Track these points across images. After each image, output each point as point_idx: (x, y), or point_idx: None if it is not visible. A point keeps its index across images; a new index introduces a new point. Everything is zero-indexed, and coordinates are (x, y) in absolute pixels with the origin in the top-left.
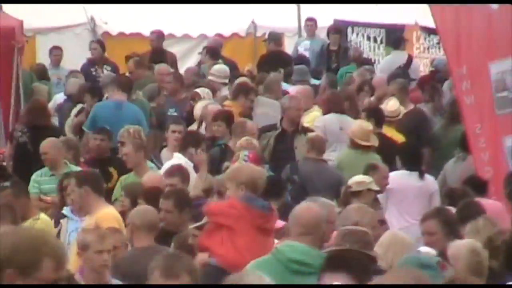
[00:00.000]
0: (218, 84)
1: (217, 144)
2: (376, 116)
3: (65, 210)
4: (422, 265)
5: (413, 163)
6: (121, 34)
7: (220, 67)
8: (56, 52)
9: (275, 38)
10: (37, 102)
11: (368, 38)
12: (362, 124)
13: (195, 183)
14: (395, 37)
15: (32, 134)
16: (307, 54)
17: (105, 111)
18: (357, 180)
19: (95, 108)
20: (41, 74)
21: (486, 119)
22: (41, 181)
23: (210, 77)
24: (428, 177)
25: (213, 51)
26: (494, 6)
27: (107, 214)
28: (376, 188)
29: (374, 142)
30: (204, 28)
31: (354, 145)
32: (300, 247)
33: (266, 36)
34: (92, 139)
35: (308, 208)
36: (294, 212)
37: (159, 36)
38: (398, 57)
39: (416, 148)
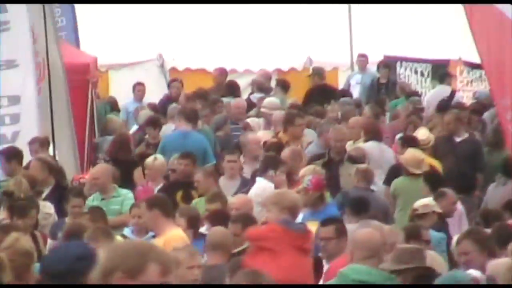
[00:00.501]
0: (269, 115)
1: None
2: (411, 144)
3: (126, 231)
4: (456, 282)
5: (469, 188)
6: (187, 70)
7: (271, 100)
8: (139, 88)
9: (319, 72)
10: (122, 135)
11: (416, 72)
12: (415, 153)
13: None
14: (440, 71)
15: (114, 164)
16: (358, 87)
17: (173, 141)
18: (423, 203)
19: (164, 139)
20: (113, 106)
21: None
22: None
23: (262, 109)
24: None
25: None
26: None
27: (175, 235)
28: (439, 210)
29: (426, 169)
30: (264, 63)
31: (407, 173)
32: (363, 268)
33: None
34: (177, 164)
35: (371, 232)
36: (356, 237)
37: (221, 72)
38: (442, 91)
39: (472, 175)
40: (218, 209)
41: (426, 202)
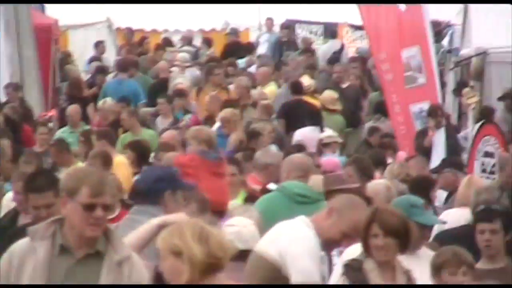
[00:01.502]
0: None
1: None
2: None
3: None
4: (411, 205)
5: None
6: (128, 29)
7: (183, 55)
8: (101, 45)
9: (234, 31)
10: (76, 79)
11: (310, 32)
12: (331, 94)
13: None
14: (332, 29)
15: (71, 102)
16: (266, 44)
17: (111, 86)
18: (327, 134)
19: (104, 85)
20: (69, 58)
21: (400, 91)
22: (64, 137)
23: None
24: None
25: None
26: (402, 7)
27: (120, 161)
28: (340, 140)
29: (339, 107)
30: (190, 24)
31: (325, 109)
32: (301, 184)
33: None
34: (114, 106)
35: (304, 157)
36: (292, 160)
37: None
38: (335, 44)
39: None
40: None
41: (330, 133)
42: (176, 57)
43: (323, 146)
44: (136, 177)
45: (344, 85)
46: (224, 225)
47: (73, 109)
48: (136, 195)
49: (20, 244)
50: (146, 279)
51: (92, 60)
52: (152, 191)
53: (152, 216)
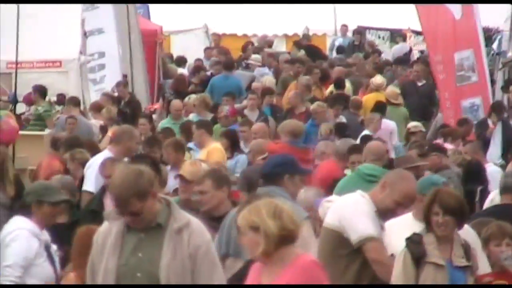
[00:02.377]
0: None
1: None
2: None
3: (191, 145)
4: (432, 183)
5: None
6: (223, 34)
7: (256, 56)
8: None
9: (307, 37)
10: (180, 76)
11: (379, 37)
12: (393, 89)
13: None
14: (398, 35)
15: (176, 96)
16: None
17: (217, 81)
18: (413, 124)
19: (211, 80)
20: (172, 59)
21: (451, 89)
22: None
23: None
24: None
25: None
26: (458, 15)
27: (215, 147)
28: (423, 129)
29: (401, 101)
30: (275, 30)
31: (390, 103)
32: (371, 165)
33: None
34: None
35: (379, 143)
36: (369, 146)
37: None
38: (404, 46)
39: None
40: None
41: (415, 124)
42: (251, 57)
43: (410, 134)
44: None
45: (420, 83)
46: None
47: (177, 102)
48: (262, 178)
49: (103, 226)
50: (206, 242)
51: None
52: (273, 174)
53: (278, 195)
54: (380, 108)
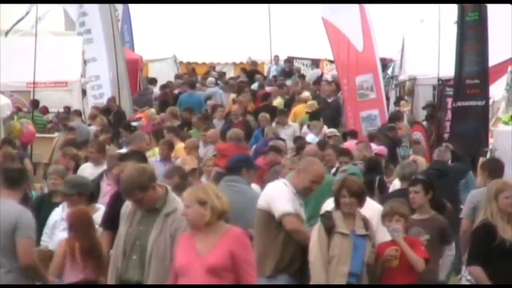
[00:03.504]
0: None
1: None
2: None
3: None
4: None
5: None
6: (188, 62)
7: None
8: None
9: (255, 64)
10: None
11: (303, 65)
12: None
13: None
14: (315, 63)
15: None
16: (274, 72)
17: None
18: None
19: (180, 97)
20: (150, 81)
21: (352, 104)
22: None
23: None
24: None
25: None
26: (360, 48)
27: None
28: None
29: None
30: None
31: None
32: (353, 167)
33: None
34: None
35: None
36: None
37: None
38: (317, 72)
39: None
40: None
41: (332, 130)
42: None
43: (328, 138)
44: None
45: (330, 100)
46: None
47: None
48: (227, 169)
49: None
50: (184, 226)
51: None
52: (235, 167)
53: (239, 182)
54: (315, 116)
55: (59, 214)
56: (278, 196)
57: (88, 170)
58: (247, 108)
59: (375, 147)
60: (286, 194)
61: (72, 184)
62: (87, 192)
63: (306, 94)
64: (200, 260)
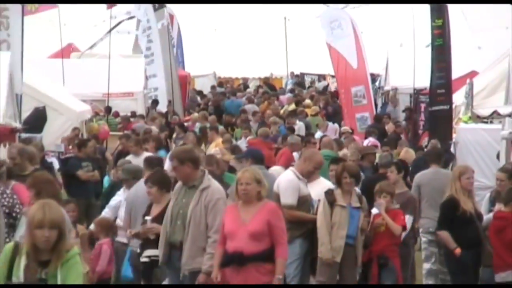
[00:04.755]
0: None
1: None
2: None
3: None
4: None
5: None
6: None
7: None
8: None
9: (268, 79)
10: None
11: (311, 79)
12: None
13: None
14: (322, 77)
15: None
16: (290, 85)
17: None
18: None
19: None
20: (199, 93)
21: (349, 108)
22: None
23: None
24: None
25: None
26: (355, 65)
27: (219, 141)
28: None
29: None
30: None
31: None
32: (327, 151)
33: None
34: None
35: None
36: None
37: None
38: (324, 83)
39: None
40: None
41: (346, 128)
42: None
43: (342, 134)
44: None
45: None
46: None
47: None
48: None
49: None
50: (215, 199)
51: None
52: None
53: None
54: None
55: (121, 196)
56: (284, 188)
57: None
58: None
59: (372, 140)
60: (291, 185)
61: (127, 171)
62: (140, 176)
63: (307, 101)
64: (244, 227)
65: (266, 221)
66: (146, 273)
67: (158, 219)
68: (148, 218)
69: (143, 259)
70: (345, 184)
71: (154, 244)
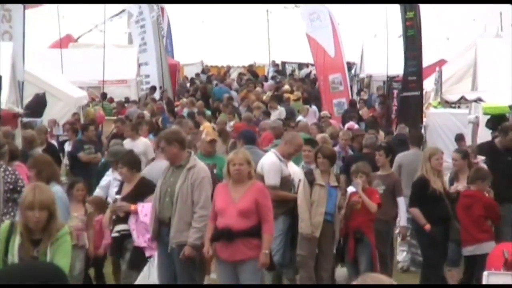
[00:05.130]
0: None
1: None
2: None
3: None
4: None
5: None
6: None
7: None
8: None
9: (252, 66)
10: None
11: (292, 68)
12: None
13: None
14: (302, 66)
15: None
16: (271, 73)
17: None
18: None
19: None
20: (190, 81)
21: (327, 94)
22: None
23: None
24: None
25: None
26: (332, 54)
27: (207, 125)
28: None
29: None
30: (235, 62)
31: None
32: (303, 134)
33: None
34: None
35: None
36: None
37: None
38: (306, 70)
39: None
40: None
41: (325, 112)
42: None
43: (321, 118)
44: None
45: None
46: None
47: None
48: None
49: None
50: (200, 178)
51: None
52: (251, 139)
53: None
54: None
55: (110, 176)
56: (268, 170)
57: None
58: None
59: (351, 123)
60: (274, 167)
61: (112, 153)
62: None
63: (286, 87)
64: (233, 205)
65: (254, 200)
66: (117, 246)
67: (127, 198)
68: (117, 197)
69: (113, 234)
70: (320, 164)
71: (123, 220)
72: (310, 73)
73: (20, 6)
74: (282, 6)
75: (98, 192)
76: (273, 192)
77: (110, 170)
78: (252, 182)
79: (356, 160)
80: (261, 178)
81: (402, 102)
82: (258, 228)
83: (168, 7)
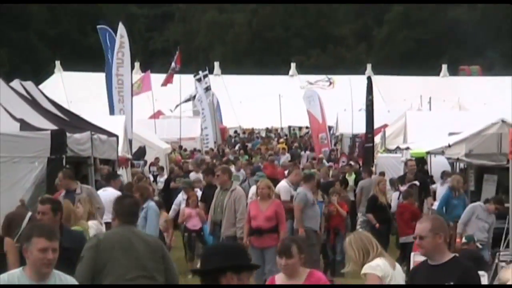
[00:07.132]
0: None
1: None
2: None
3: None
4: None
5: None
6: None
7: None
8: None
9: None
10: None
11: (294, 130)
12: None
13: None
14: (301, 128)
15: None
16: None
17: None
18: None
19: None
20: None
21: (316, 145)
22: None
23: None
24: None
25: None
26: (320, 120)
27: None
28: None
29: None
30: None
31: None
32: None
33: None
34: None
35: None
36: None
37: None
38: (304, 131)
39: None
40: None
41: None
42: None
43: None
44: None
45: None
46: None
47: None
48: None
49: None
50: (238, 196)
51: None
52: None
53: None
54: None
55: (180, 197)
56: (282, 192)
57: None
58: None
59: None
60: (285, 190)
61: (186, 182)
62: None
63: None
64: (262, 213)
65: (274, 210)
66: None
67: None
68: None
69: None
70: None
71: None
72: (308, 132)
73: (128, 94)
74: (290, 91)
75: (174, 209)
76: (285, 205)
77: (181, 193)
78: (273, 199)
79: (327, 184)
80: (278, 196)
81: (364, 151)
82: (277, 227)
83: (217, 92)
